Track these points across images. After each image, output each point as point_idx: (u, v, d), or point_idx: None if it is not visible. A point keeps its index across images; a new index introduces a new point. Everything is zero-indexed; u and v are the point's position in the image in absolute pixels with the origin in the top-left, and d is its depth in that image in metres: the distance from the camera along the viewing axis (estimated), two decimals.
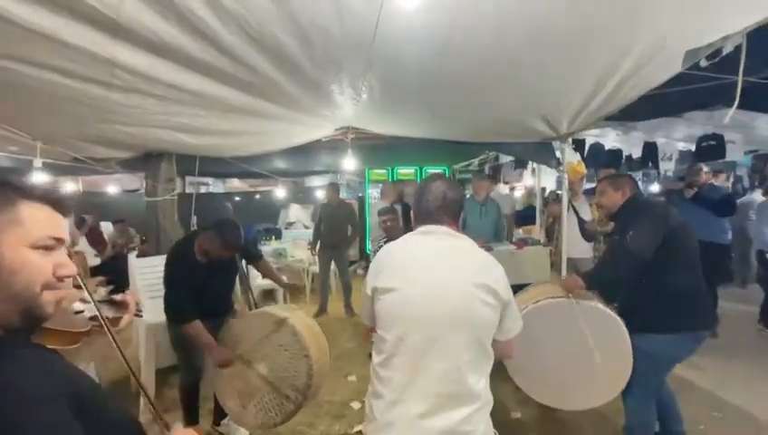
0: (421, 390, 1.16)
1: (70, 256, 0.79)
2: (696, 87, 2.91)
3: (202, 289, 2.22)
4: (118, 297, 1.12)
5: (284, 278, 2.86)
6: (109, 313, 0.93)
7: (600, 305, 2.03)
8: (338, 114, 2.76)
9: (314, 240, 5.05)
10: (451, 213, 1.30)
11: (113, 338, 0.96)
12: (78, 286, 0.95)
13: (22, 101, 2.09)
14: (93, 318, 0.91)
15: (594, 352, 1.96)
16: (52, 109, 2.15)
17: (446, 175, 7.16)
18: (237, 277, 2.55)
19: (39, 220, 0.65)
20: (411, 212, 1.36)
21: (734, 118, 4.64)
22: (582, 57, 1.94)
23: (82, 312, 0.89)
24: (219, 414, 2.66)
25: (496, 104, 2.50)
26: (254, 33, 1.60)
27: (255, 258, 2.72)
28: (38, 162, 2.85)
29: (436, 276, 1.19)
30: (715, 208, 3.91)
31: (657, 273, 1.93)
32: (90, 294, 0.93)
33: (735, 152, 4.90)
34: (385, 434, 1.18)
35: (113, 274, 5.52)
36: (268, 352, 2.01)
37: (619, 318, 1.99)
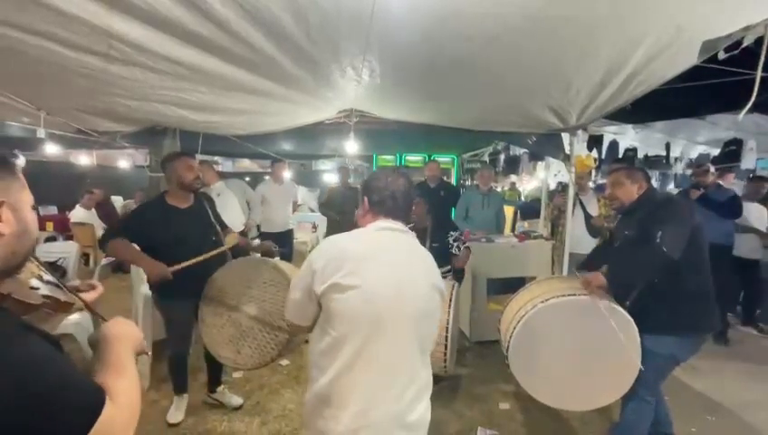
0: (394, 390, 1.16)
1: None
2: (717, 82, 2.78)
3: (183, 239, 2.25)
4: (80, 285, 1.07)
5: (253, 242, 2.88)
6: (62, 296, 0.89)
7: (618, 306, 1.96)
8: (340, 96, 2.71)
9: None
10: (409, 210, 1.35)
11: (87, 305, 0.97)
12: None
13: (23, 69, 2.09)
14: (45, 297, 0.88)
15: (611, 353, 1.91)
16: (53, 79, 2.15)
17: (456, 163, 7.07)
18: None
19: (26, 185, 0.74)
20: (365, 202, 1.32)
21: (757, 123, 4.43)
22: (589, 46, 1.85)
23: (38, 289, 0.87)
24: (213, 382, 2.72)
25: (500, 91, 2.43)
26: (249, 6, 1.57)
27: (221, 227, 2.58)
28: (41, 132, 2.87)
29: (401, 276, 1.19)
30: (720, 210, 3.78)
31: (677, 273, 1.86)
32: (46, 270, 0.88)
33: (749, 160, 4.70)
34: None
35: None
36: (253, 292, 2.01)
37: (632, 319, 1.94)
